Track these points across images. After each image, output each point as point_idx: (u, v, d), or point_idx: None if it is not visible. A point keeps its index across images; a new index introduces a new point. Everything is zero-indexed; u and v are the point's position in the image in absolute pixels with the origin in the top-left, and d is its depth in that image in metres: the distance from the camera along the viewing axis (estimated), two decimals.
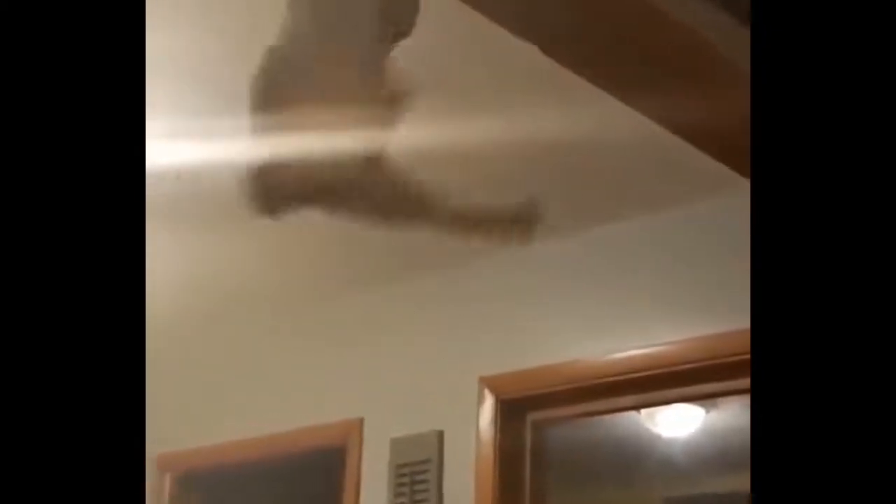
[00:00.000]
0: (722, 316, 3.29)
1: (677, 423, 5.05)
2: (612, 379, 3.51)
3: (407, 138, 1.47)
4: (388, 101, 1.50)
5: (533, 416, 3.76)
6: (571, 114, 2.82)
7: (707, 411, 4.93)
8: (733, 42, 1.71)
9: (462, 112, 2.76)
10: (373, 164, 1.43)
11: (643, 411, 4.76)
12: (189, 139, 3.17)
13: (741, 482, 5.07)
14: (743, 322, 3.18)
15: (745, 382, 3.28)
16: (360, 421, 4.04)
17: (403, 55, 1.56)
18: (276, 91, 1.51)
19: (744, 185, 2.77)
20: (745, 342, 3.22)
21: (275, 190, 1.47)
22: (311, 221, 3.71)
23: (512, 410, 3.72)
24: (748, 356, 3.31)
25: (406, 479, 3.83)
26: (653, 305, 3.50)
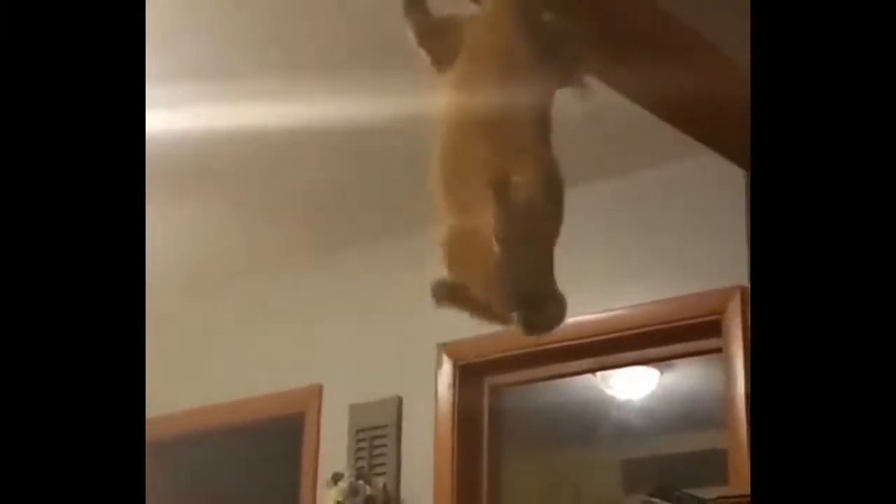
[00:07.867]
0: (675, 281, 3.34)
1: (632, 386, 5.10)
2: (567, 343, 3.54)
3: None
4: None
5: (490, 381, 3.80)
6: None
7: (661, 373, 4.99)
8: (700, 16, 1.74)
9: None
10: None
11: (599, 374, 4.80)
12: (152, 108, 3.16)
13: (695, 443, 5.16)
14: (695, 286, 3.25)
15: (698, 345, 3.36)
16: (320, 388, 4.07)
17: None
18: None
19: (701, 153, 2.82)
20: (698, 306, 3.30)
21: None
22: (268, 193, 3.75)
23: (469, 375, 3.76)
24: (700, 319, 3.38)
25: (365, 444, 3.87)
26: (607, 271, 3.54)
